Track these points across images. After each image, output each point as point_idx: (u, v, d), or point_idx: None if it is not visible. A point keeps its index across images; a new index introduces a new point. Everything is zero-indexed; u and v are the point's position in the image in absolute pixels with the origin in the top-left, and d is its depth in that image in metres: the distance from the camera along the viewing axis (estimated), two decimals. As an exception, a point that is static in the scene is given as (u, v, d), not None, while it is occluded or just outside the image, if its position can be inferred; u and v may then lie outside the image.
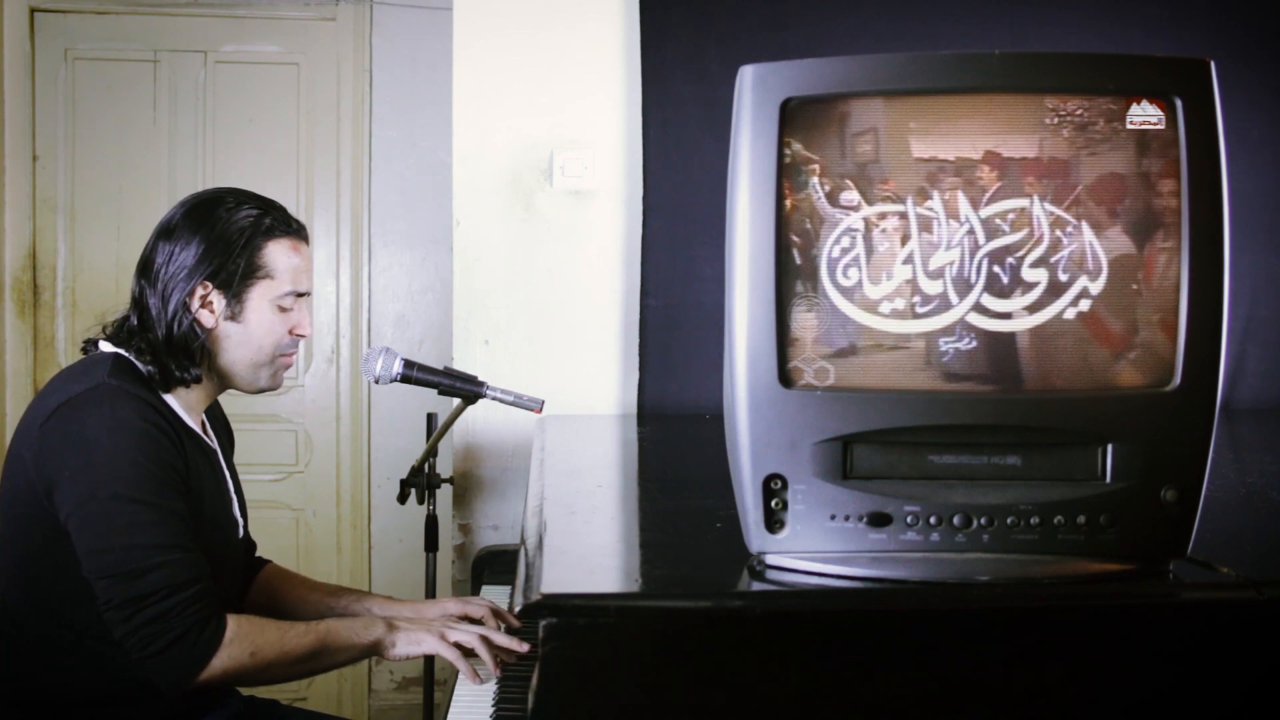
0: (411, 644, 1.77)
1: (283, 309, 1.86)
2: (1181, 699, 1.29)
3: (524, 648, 1.73)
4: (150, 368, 1.79)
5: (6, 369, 3.84)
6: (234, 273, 1.82)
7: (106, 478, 1.67)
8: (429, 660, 2.58)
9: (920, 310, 1.28)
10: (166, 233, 1.85)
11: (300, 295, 1.89)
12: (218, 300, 1.83)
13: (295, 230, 1.90)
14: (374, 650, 1.77)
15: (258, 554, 2.13)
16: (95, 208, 3.86)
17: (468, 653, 1.76)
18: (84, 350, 1.89)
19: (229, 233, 1.82)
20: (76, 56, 3.84)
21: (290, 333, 1.88)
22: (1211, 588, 1.33)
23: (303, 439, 3.97)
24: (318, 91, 3.91)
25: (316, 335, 3.93)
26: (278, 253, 1.85)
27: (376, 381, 2.38)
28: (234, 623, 1.69)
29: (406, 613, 1.96)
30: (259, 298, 1.84)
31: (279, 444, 3.95)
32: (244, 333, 1.85)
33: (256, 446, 3.63)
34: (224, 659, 1.66)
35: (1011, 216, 1.27)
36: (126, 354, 1.81)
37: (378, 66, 3.91)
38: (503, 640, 1.75)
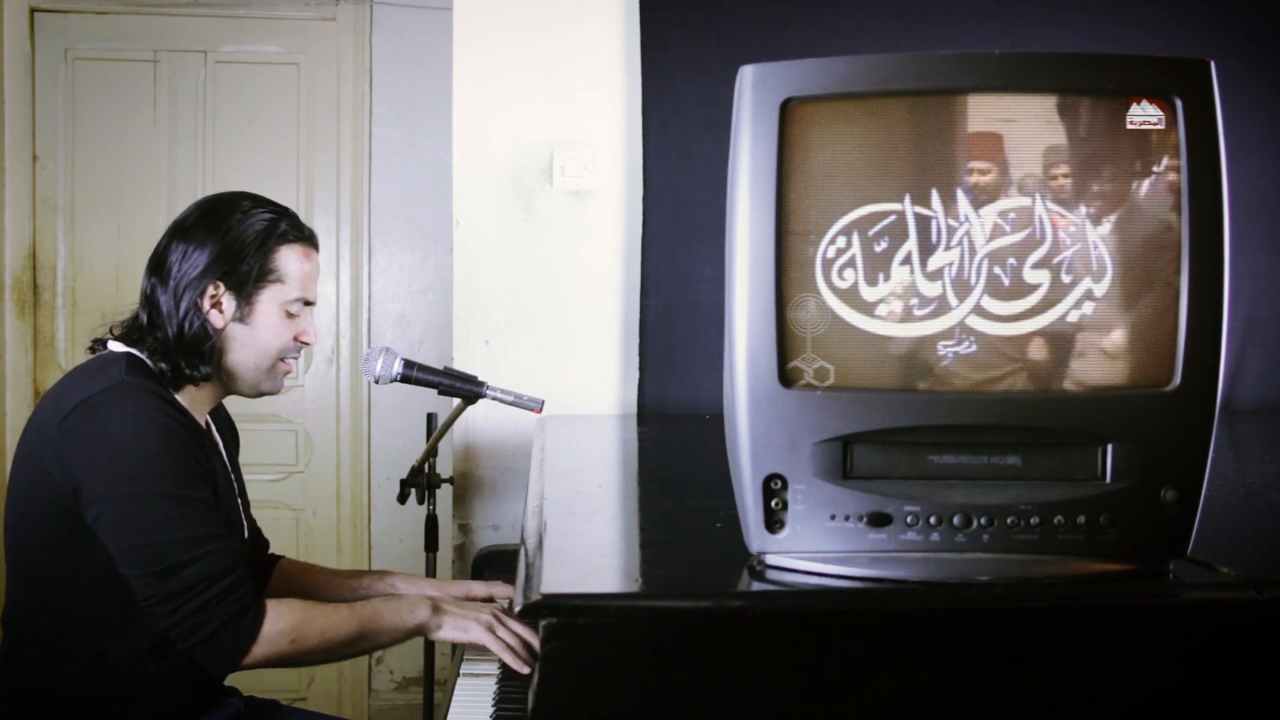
0: (459, 630, 1.79)
1: (290, 314, 1.88)
2: (1181, 699, 1.29)
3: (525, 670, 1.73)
4: (162, 365, 1.81)
5: (6, 369, 3.84)
6: (247, 275, 1.83)
7: (135, 475, 1.69)
8: (429, 660, 2.58)
9: (918, 313, 1.28)
10: (181, 232, 1.86)
11: (307, 304, 1.91)
12: (228, 301, 1.84)
13: (307, 237, 1.92)
14: (419, 632, 1.80)
15: (270, 551, 2.14)
16: (95, 208, 3.86)
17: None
18: (91, 350, 1.89)
19: (244, 235, 1.84)
20: (76, 56, 3.84)
21: (295, 339, 1.90)
22: (1211, 588, 1.33)
23: (303, 439, 3.97)
24: (318, 91, 3.91)
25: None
26: (290, 258, 1.87)
27: (376, 381, 2.38)
28: (274, 610, 1.72)
29: (430, 589, 2.00)
30: (268, 301, 1.86)
31: (279, 444, 3.95)
32: (250, 335, 1.86)
33: (256, 446, 3.62)
34: (265, 645, 1.70)
35: (1013, 216, 1.27)
36: (138, 353, 1.82)
37: (378, 66, 3.91)
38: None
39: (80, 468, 1.70)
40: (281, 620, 1.71)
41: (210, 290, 1.82)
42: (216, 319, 1.84)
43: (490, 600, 1.98)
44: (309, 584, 2.08)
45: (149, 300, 1.85)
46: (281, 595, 2.05)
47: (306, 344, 1.93)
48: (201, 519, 1.71)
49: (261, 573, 2.08)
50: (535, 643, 1.71)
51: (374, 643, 1.80)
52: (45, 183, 3.85)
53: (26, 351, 3.87)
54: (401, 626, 1.79)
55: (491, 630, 1.77)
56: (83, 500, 1.70)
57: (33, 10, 3.81)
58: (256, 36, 3.91)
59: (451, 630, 1.79)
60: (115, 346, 1.85)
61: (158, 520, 1.68)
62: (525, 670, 1.72)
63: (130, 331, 1.85)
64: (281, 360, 1.90)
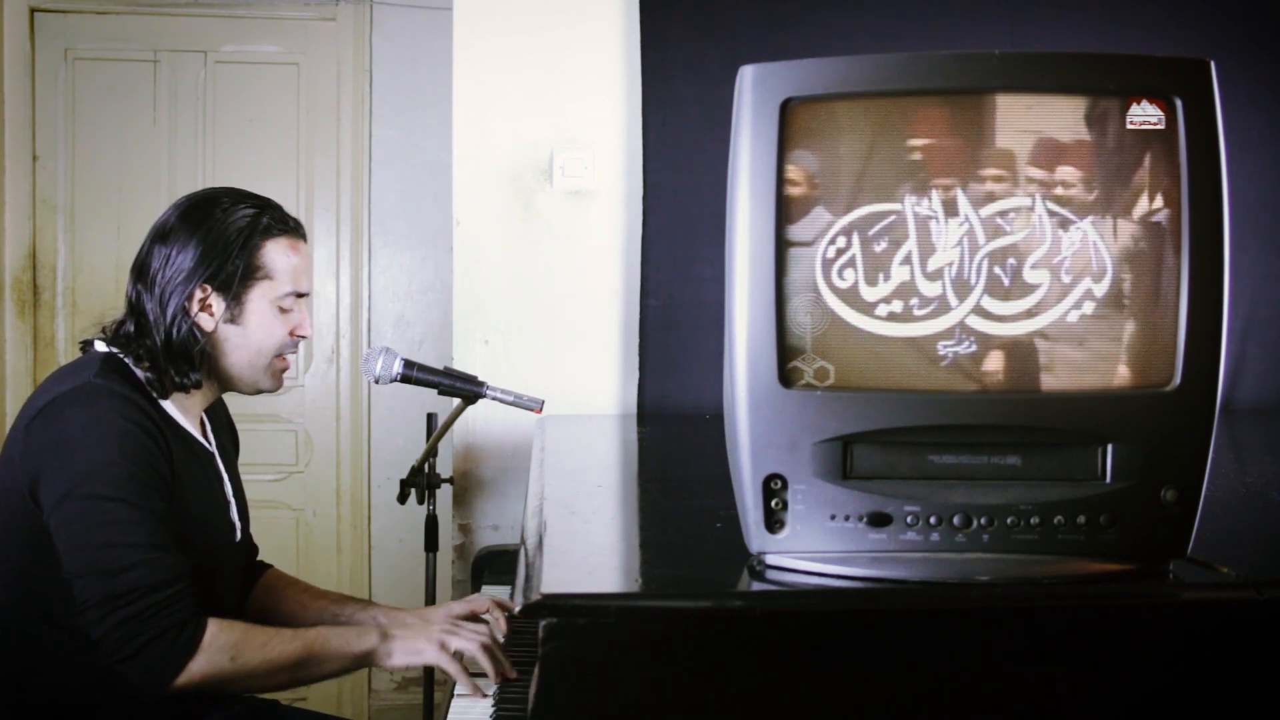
0: (410, 654, 1.74)
1: (283, 309, 1.85)
2: (1181, 699, 1.29)
3: (514, 674, 1.71)
4: (149, 375, 1.78)
5: (6, 369, 3.84)
6: (233, 274, 1.80)
7: (85, 476, 1.65)
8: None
9: (918, 313, 1.28)
10: (162, 236, 1.82)
11: (300, 296, 1.87)
12: (217, 303, 1.81)
13: (292, 229, 1.87)
14: (368, 660, 1.74)
15: (259, 558, 2.11)
16: (95, 208, 3.86)
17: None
18: (82, 349, 1.87)
19: (227, 233, 1.80)
20: (76, 56, 3.84)
21: (290, 333, 1.86)
22: (1211, 588, 1.33)
23: (303, 439, 3.97)
24: (318, 91, 3.91)
25: (316, 335, 3.93)
26: (276, 252, 1.83)
27: (376, 381, 2.38)
28: (214, 626, 1.66)
29: (409, 619, 1.93)
30: (259, 299, 1.82)
31: (279, 444, 3.95)
32: (243, 335, 1.83)
33: (256, 446, 3.61)
34: (203, 663, 1.64)
35: (1012, 216, 1.27)
36: (120, 354, 1.80)
37: (378, 66, 3.91)
38: (494, 662, 1.72)
39: (36, 467, 1.69)
40: (222, 636, 1.65)
41: (197, 293, 1.79)
42: (206, 321, 1.80)
43: (472, 618, 1.90)
44: (292, 600, 2.03)
45: (135, 307, 1.82)
46: (263, 608, 2.02)
47: (303, 337, 1.89)
48: (147, 527, 1.66)
49: (246, 580, 2.05)
50: (499, 633, 1.74)
51: (321, 669, 1.73)
52: (45, 183, 3.85)
53: (26, 351, 3.87)
54: (349, 653, 1.72)
55: (444, 648, 1.72)
56: (39, 500, 1.68)
57: (33, 10, 3.81)
58: (256, 36, 3.91)
59: (402, 656, 1.74)
60: (100, 347, 1.82)
61: (100, 523, 1.64)
62: (480, 697, 1.70)
63: (116, 336, 1.82)
64: (279, 357, 1.87)
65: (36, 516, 1.69)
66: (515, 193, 2.91)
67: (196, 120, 3.88)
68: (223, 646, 1.65)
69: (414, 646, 1.74)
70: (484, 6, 2.90)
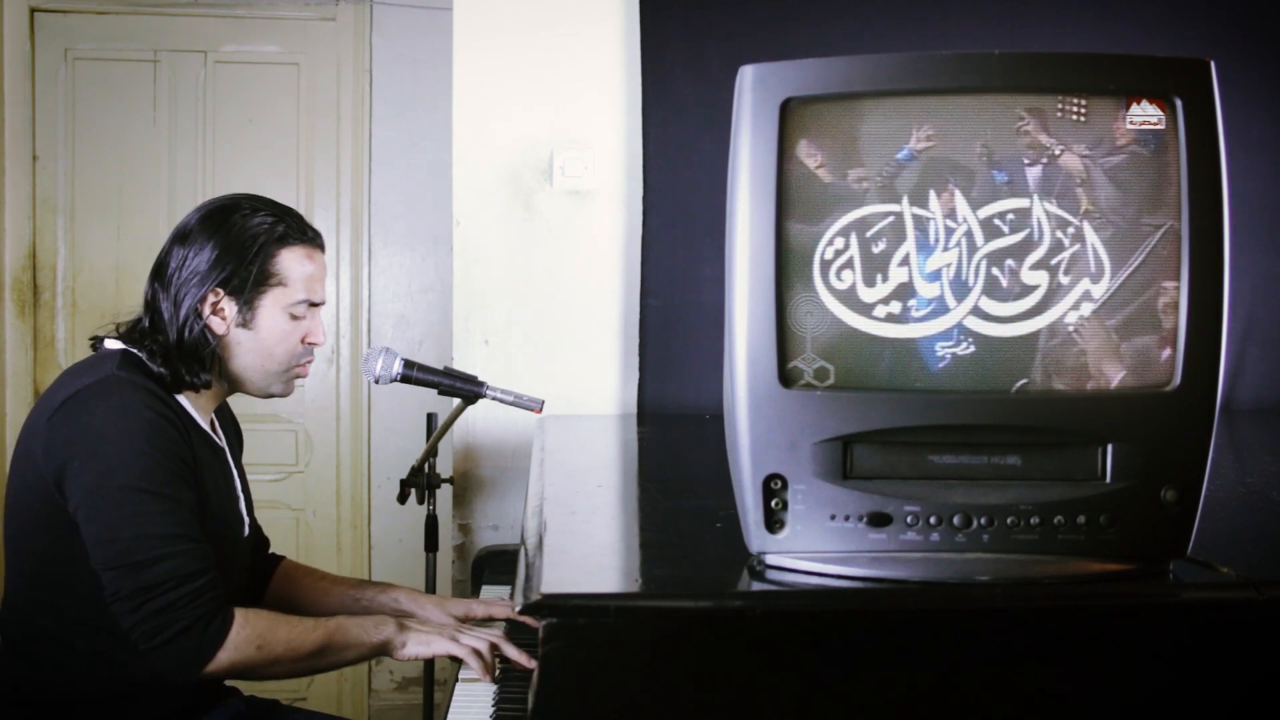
0: (422, 645, 1.79)
1: (295, 317, 1.87)
2: (1181, 699, 1.30)
3: (532, 664, 1.73)
4: (161, 369, 1.79)
5: (6, 369, 3.84)
6: (246, 279, 1.82)
7: (114, 468, 1.67)
8: (429, 660, 2.58)
9: (917, 313, 1.28)
10: (181, 237, 1.85)
11: (314, 305, 1.90)
12: (229, 307, 1.83)
13: (310, 239, 1.90)
14: (383, 650, 1.78)
15: (271, 550, 2.14)
16: (95, 208, 3.86)
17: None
18: (92, 347, 1.89)
19: (243, 239, 1.82)
20: (76, 56, 3.84)
21: (303, 341, 1.89)
22: (1211, 588, 1.33)
23: (303, 439, 3.97)
24: (318, 91, 3.91)
25: (316, 335, 3.93)
26: (291, 260, 1.86)
27: (376, 381, 2.38)
28: (241, 616, 1.70)
29: (431, 606, 1.99)
30: (271, 305, 1.84)
31: (279, 444, 3.95)
32: (255, 340, 1.85)
33: (256, 446, 3.59)
34: (231, 651, 1.67)
35: (1011, 217, 1.27)
36: (135, 350, 1.82)
37: (378, 66, 3.92)
38: (513, 653, 1.75)
39: (62, 459, 1.70)
40: (248, 627, 1.69)
41: (210, 297, 1.82)
42: (218, 325, 1.83)
43: (489, 620, 1.96)
44: (311, 589, 2.07)
45: (151, 306, 1.85)
46: (282, 597, 2.06)
47: (316, 344, 1.91)
48: (177, 518, 1.68)
49: (262, 572, 2.08)
50: (504, 647, 1.75)
51: (339, 657, 1.78)
52: (45, 183, 3.85)
53: (26, 351, 3.87)
54: (366, 643, 1.77)
55: (455, 640, 1.78)
56: (64, 491, 1.70)
57: (33, 10, 3.81)
58: (256, 36, 3.91)
59: (415, 647, 1.79)
60: (113, 344, 1.84)
61: (131, 514, 1.66)
62: (489, 680, 1.74)
63: (131, 333, 1.84)
64: (295, 365, 1.90)
65: (61, 508, 1.71)
66: (515, 193, 2.91)
67: (196, 120, 3.88)
68: (250, 636, 1.69)
69: (426, 639, 1.79)
70: (484, 6, 2.90)
